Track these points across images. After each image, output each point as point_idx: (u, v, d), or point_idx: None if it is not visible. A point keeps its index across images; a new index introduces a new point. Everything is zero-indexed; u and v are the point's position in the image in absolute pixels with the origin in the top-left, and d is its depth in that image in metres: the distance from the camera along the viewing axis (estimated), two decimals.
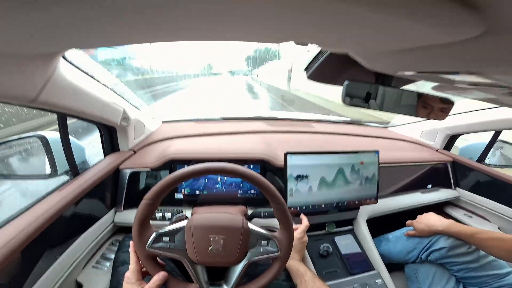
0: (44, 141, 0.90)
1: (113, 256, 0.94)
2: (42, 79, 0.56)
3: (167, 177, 0.63)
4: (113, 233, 1.07)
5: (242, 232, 0.64)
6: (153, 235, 0.62)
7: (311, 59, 0.72)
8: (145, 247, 0.61)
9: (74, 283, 0.85)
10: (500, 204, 1.26)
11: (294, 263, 0.81)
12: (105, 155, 1.08)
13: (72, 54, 0.67)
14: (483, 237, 0.86)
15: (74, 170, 0.92)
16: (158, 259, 0.66)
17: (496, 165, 1.39)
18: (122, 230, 1.08)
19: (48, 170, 0.91)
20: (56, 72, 0.60)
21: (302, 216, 0.96)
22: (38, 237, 0.68)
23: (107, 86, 0.89)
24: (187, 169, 0.63)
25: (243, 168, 0.64)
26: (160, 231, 0.63)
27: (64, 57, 0.64)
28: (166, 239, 0.63)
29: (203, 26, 0.31)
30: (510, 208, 1.22)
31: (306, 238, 0.89)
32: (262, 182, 0.65)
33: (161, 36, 0.38)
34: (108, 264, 0.93)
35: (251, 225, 0.67)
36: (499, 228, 1.27)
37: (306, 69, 0.76)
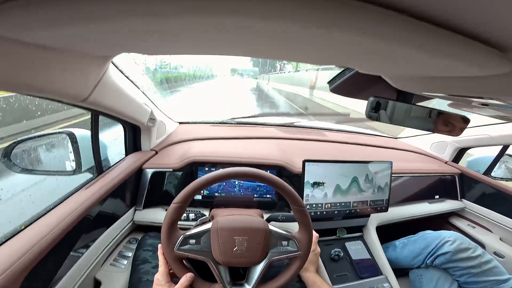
0: (73, 137, 0.92)
1: (130, 254, 0.97)
2: (95, 79, 0.60)
3: (196, 181, 0.65)
4: (131, 231, 1.09)
5: (264, 233, 0.67)
6: (181, 238, 0.64)
7: (337, 73, 0.75)
8: (173, 250, 0.63)
9: (92, 280, 0.87)
10: (503, 216, 1.30)
11: (310, 275, 0.83)
12: (126, 154, 1.11)
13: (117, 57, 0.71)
14: None
15: (100, 167, 0.94)
16: (184, 261, 0.68)
17: (502, 178, 1.43)
18: (140, 228, 1.10)
19: (72, 166, 0.93)
20: (106, 74, 0.64)
21: None
22: (66, 235, 0.70)
23: (139, 87, 0.92)
24: (215, 173, 0.66)
25: (267, 174, 0.68)
26: (187, 233, 0.65)
27: (112, 62, 0.68)
28: (192, 241, 0.65)
29: (267, 45, 0.34)
30: (511, 219, 1.26)
31: (318, 249, 0.91)
32: (284, 186, 0.68)
33: (203, 50, 0.41)
34: (125, 262, 0.94)
35: (271, 227, 0.70)
36: (500, 239, 1.31)
37: (330, 82, 0.80)
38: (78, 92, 0.59)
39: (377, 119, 0.68)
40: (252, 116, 1.75)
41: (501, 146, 1.37)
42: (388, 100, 0.67)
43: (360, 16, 0.23)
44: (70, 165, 0.94)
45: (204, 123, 1.58)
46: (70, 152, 0.93)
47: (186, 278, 0.63)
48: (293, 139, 1.48)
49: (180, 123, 1.51)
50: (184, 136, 1.31)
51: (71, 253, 0.74)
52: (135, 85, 0.90)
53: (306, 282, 0.83)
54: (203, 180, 0.65)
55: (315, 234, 0.92)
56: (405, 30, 0.25)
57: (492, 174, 1.44)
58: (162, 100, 1.29)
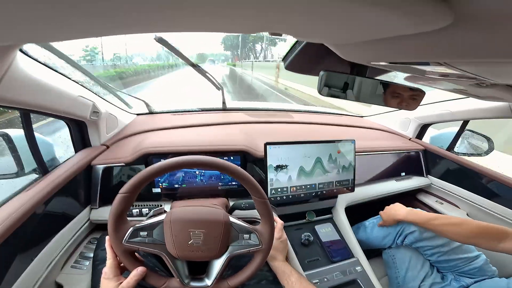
0: (6, 138, 0.85)
1: (92, 255, 0.92)
2: None
3: (144, 170, 0.61)
4: (90, 231, 1.03)
5: (223, 226, 0.63)
6: (130, 229, 0.60)
7: (288, 49, 0.71)
8: (122, 242, 0.59)
9: (53, 284, 0.83)
10: (468, 191, 1.34)
11: (279, 264, 0.80)
12: (76, 151, 1.03)
13: (31, 46, 0.63)
14: (438, 223, 0.92)
15: (43, 167, 0.87)
16: (137, 254, 0.65)
17: (464, 153, 1.47)
18: (100, 227, 1.05)
19: (14, 169, 0.87)
20: (13, 66, 0.56)
21: (275, 217, 0.96)
22: (7, 239, 0.65)
23: (73, 80, 0.84)
24: (165, 162, 0.61)
25: (224, 161, 0.63)
26: (137, 225, 0.62)
27: (21, 50, 0.60)
28: (143, 233, 0.61)
29: (170, 16, 0.29)
30: (477, 195, 1.30)
31: (285, 236, 0.89)
32: (243, 175, 0.64)
33: (118, 28, 0.36)
34: (87, 263, 0.90)
35: (232, 218, 0.67)
36: (467, 214, 1.35)
37: (284, 59, 0.76)
38: None
39: (330, 94, 0.66)
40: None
41: (462, 122, 1.40)
42: (341, 73, 0.64)
43: None
44: (12, 167, 0.87)
45: (164, 112, 1.49)
46: (9, 154, 0.87)
47: (137, 271, 0.60)
48: (259, 122, 1.44)
49: (137, 114, 1.41)
50: (140, 128, 1.23)
51: (20, 256, 0.70)
52: (67, 77, 0.81)
53: (275, 272, 0.80)
54: (152, 169, 0.61)
55: (279, 222, 0.90)
56: None
57: (455, 149, 1.48)
58: (112, 91, 1.20)
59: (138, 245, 0.60)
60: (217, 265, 0.65)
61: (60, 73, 0.78)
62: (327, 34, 0.43)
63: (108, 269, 0.61)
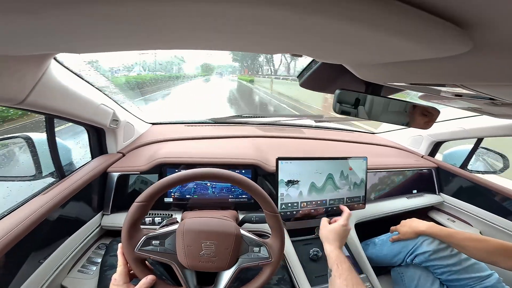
0: (30, 142, 0.89)
1: (99, 260, 0.93)
2: (32, 80, 0.56)
3: (161, 180, 0.63)
4: (100, 237, 1.05)
5: (234, 238, 0.64)
6: (143, 238, 0.61)
7: (304, 67, 0.73)
8: (134, 250, 0.61)
9: (59, 287, 0.83)
10: (481, 209, 1.31)
11: (335, 251, 0.79)
12: (92, 157, 1.06)
13: (64, 55, 0.66)
14: (460, 237, 0.90)
15: (60, 172, 0.90)
16: (147, 262, 0.66)
17: (478, 171, 1.44)
18: (109, 233, 1.06)
19: (32, 171, 0.89)
20: (46, 74, 0.59)
21: (342, 207, 0.99)
22: (22, 240, 0.67)
23: (97, 87, 0.88)
24: (182, 173, 0.63)
25: (239, 175, 0.65)
26: (150, 234, 0.63)
27: (55, 59, 0.63)
28: (156, 242, 0.62)
29: (199, 35, 0.31)
30: (490, 213, 1.27)
31: (349, 226, 0.90)
32: (256, 189, 0.66)
33: (153, 44, 0.38)
34: (94, 268, 0.92)
35: (243, 231, 0.68)
36: (480, 232, 1.31)
37: (299, 76, 0.77)
38: (14, 94, 0.54)
39: (346, 112, 0.66)
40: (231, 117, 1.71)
41: (476, 139, 1.39)
42: (356, 92, 0.65)
43: None
44: (30, 170, 0.90)
45: (179, 123, 1.53)
46: (29, 157, 0.89)
47: (146, 280, 0.61)
48: (271, 137, 1.46)
49: (152, 124, 1.45)
50: (155, 137, 1.26)
51: (31, 258, 0.72)
52: (92, 85, 0.85)
53: (328, 256, 0.79)
54: (168, 179, 0.63)
55: (347, 211, 0.94)
56: (355, 6, 0.22)
57: (469, 167, 1.45)
58: (131, 100, 1.23)
59: (149, 253, 0.61)
60: (226, 276, 0.66)
61: (85, 81, 0.81)
62: (348, 57, 0.44)
63: (118, 276, 0.62)
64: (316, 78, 0.72)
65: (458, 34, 0.26)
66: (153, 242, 0.62)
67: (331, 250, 0.79)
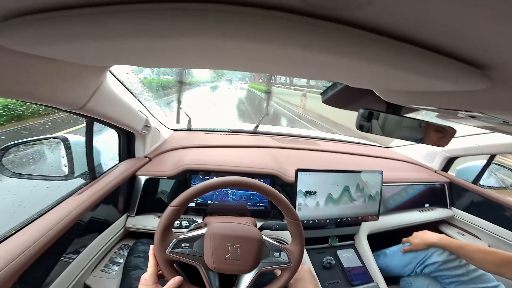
0: (66, 143, 0.92)
1: (121, 260, 0.96)
2: (93, 88, 0.62)
3: (195, 186, 0.66)
4: (122, 238, 1.08)
5: (257, 243, 0.67)
6: (174, 240, 0.65)
7: (328, 85, 0.78)
8: (165, 252, 0.64)
9: (82, 286, 0.86)
10: (491, 223, 1.33)
11: None
12: (120, 160, 1.11)
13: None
14: (471, 249, 0.93)
15: (93, 173, 0.94)
16: (174, 264, 0.69)
17: (490, 186, 1.46)
18: (131, 235, 1.10)
19: (65, 171, 0.93)
20: (104, 83, 0.65)
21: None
22: (57, 241, 0.70)
23: (134, 95, 0.93)
24: (213, 180, 0.67)
25: (264, 184, 0.69)
26: (181, 237, 0.66)
27: (109, 70, 0.69)
28: (185, 245, 0.65)
29: (254, 59, 0.35)
30: (499, 227, 1.30)
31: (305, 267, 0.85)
32: (280, 198, 0.70)
33: (196, 64, 0.43)
34: (116, 268, 0.94)
35: (265, 237, 0.71)
36: (489, 246, 1.33)
37: (322, 94, 0.82)
38: (76, 100, 0.61)
39: (368, 130, 0.70)
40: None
41: (489, 155, 1.41)
42: (378, 112, 0.69)
43: (351, 41, 0.25)
44: (63, 170, 0.94)
45: (198, 130, 1.59)
46: (63, 157, 0.94)
47: (174, 280, 0.63)
48: (287, 148, 1.50)
49: (174, 130, 1.51)
50: (178, 144, 1.31)
51: (62, 259, 0.74)
52: (131, 93, 0.91)
53: None
54: (202, 186, 0.66)
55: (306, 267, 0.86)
56: (389, 52, 0.27)
57: (481, 182, 1.47)
58: (157, 107, 1.29)
59: (179, 255, 0.64)
60: (247, 279, 0.68)
61: (127, 89, 0.87)
62: (380, 86, 0.49)
63: (148, 276, 0.64)
64: (340, 97, 0.76)
65: (477, 74, 0.30)
66: (183, 244, 0.65)
67: None
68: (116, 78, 0.77)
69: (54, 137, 0.95)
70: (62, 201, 0.81)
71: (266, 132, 1.69)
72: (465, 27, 0.22)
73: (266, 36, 0.24)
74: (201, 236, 0.67)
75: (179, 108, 1.52)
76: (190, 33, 0.24)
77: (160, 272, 0.67)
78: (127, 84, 0.87)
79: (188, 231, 0.72)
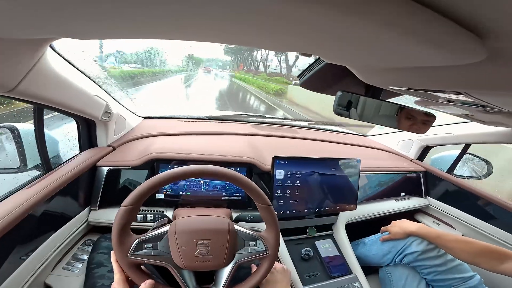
0: (16, 133, 0.85)
1: (85, 257, 0.91)
2: (26, 67, 0.52)
3: (147, 181, 0.60)
4: (86, 233, 1.02)
5: (228, 234, 0.63)
6: (135, 242, 0.60)
7: (306, 67, 0.72)
8: (127, 256, 0.59)
9: (42, 285, 0.81)
10: (465, 213, 1.36)
11: None
12: (81, 150, 1.02)
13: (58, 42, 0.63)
14: (449, 239, 0.94)
15: (47, 165, 0.86)
16: (143, 267, 0.64)
17: (464, 176, 1.49)
18: (96, 229, 1.03)
19: (16, 163, 0.85)
20: (41, 61, 0.56)
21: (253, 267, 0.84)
22: (4, 236, 0.64)
23: (90, 78, 0.84)
24: (168, 172, 0.61)
25: (227, 170, 0.64)
26: (142, 237, 0.61)
27: (51, 46, 0.60)
28: (148, 245, 0.61)
29: (211, 28, 0.30)
30: (473, 217, 1.33)
31: (286, 267, 0.83)
32: (247, 183, 0.65)
33: (160, 33, 0.36)
34: (80, 265, 0.88)
35: (237, 226, 0.67)
36: (463, 235, 1.36)
37: (299, 76, 0.77)
38: (3, 80, 0.51)
39: (347, 116, 0.66)
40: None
41: (463, 145, 1.43)
42: (357, 95, 0.65)
43: None
44: (13, 162, 0.86)
45: (171, 118, 1.50)
46: (13, 148, 0.85)
47: (145, 285, 0.59)
48: (265, 135, 1.45)
49: (144, 117, 1.41)
50: (147, 131, 1.23)
51: (13, 255, 0.68)
52: (86, 75, 0.81)
53: None
54: (156, 179, 0.61)
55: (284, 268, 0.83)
56: (370, 3, 0.21)
57: (455, 172, 1.51)
58: (124, 94, 1.19)
59: (143, 257, 0.60)
60: (225, 273, 0.65)
61: (79, 70, 0.78)
62: (355, 59, 0.44)
63: (117, 285, 0.60)
64: (317, 79, 0.72)
65: (474, 43, 0.25)
66: (145, 245, 0.60)
67: None
68: (62, 57, 0.68)
69: (1, 127, 0.85)
70: (8, 196, 0.73)
71: (245, 119, 1.64)
72: None
73: None
74: (164, 234, 0.63)
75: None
76: None
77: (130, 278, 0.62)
78: (78, 65, 0.77)
79: (151, 230, 0.67)
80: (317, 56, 0.63)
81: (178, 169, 0.62)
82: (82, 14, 0.27)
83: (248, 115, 1.64)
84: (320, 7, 0.21)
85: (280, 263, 0.95)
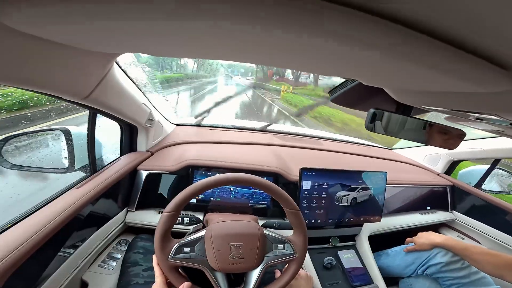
0: (68, 135, 0.90)
1: (119, 256, 0.95)
2: (98, 77, 0.59)
3: (188, 188, 0.64)
4: (121, 233, 1.07)
5: (259, 238, 0.67)
6: (175, 246, 0.63)
7: (338, 84, 0.76)
8: (168, 259, 0.62)
9: (79, 281, 0.85)
10: (491, 228, 1.33)
11: None
12: (121, 153, 1.09)
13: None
14: (476, 251, 0.93)
15: (94, 166, 0.92)
16: (180, 270, 0.67)
17: (492, 191, 1.45)
18: (130, 230, 1.08)
19: (65, 164, 0.91)
20: (110, 72, 0.63)
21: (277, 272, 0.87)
22: (55, 235, 0.68)
23: (139, 88, 0.91)
24: (206, 180, 0.65)
25: (259, 178, 0.68)
26: (181, 242, 0.64)
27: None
28: (187, 249, 0.64)
29: (267, 52, 0.33)
30: (499, 231, 1.30)
31: (309, 274, 0.85)
32: (276, 189, 0.68)
33: (209, 55, 0.41)
34: (114, 263, 0.93)
35: (266, 231, 0.70)
36: None
37: (331, 92, 0.80)
38: (80, 89, 0.58)
39: (377, 130, 0.69)
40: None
41: (493, 160, 1.40)
42: (389, 112, 0.67)
43: (367, 29, 0.23)
44: (63, 162, 0.92)
45: (201, 126, 1.57)
46: (64, 149, 0.92)
47: (183, 287, 0.62)
48: (290, 146, 1.48)
49: (177, 125, 1.49)
50: (181, 139, 1.30)
51: (59, 253, 0.73)
52: (136, 85, 0.89)
53: None
54: (195, 187, 0.65)
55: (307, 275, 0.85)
56: (410, 45, 0.25)
57: (483, 187, 1.47)
58: (161, 100, 1.27)
59: (182, 260, 0.63)
60: (254, 275, 0.67)
61: (132, 81, 0.84)
62: (394, 84, 0.47)
63: (157, 286, 0.62)
64: (349, 96, 0.75)
65: (499, 74, 0.28)
66: (184, 249, 0.64)
67: None
68: (122, 69, 0.75)
69: (55, 129, 0.92)
70: (61, 194, 0.79)
71: (269, 130, 1.68)
72: (494, 21, 0.20)
73: (283, 22, 0.22)
74: (201, 238, 0.66)
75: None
76: (213, 15, 0.22)
77: (169, 280, 0.65)
78: (132, 76, 0.85)
79: (188, 234, 0.71)
80: None
81: (215, 177, 0.66)
82: (140, 38, 0.32)
83: (271, 130, 1.67)
84: (367, 48, 0.25)
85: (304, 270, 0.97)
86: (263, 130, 1.65)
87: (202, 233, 0.67)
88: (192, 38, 0.30)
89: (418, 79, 0.36)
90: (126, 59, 0.81)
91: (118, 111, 0.81)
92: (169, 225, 0.63)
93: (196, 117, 1.55)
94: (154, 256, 0.65)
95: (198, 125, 1.57)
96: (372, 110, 0.67)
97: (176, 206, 0.63)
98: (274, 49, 0.31)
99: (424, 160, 1.69)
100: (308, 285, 0.82)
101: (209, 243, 0.64)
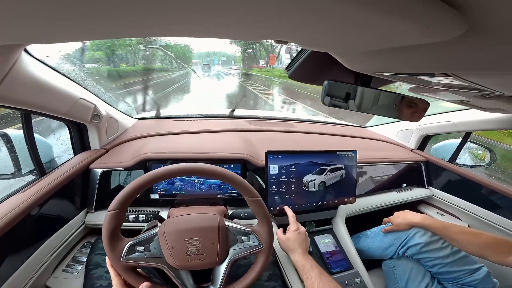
0: (5, 139, 0.86)
1: (84, 259, 0.91)
2: (0, 73, 0.52)
3: (129, 185, 0.60)
4: (85, 235, 1.02)
5: (219, 231, 0.63)
6: (126, 246, 0.60)
7: (292, 58, 0.71)
8: (120, 260, 0.59)
9: (43, 287, 0.81)
10: (470, 203, 1.32)
11: (298, 258, 0.80)
12: (75, 154, 1.03)
13: (35, 46, 0.62)
14: (455, 230, 0.91)
15: (40, 169, 0.87)
16: (140, 270, 0.64)
17: (466, 165, 1.46)
18: (95, 231, 1.04)
19: (11, 169, 0.86)
20: (15, 66, 0.55)
21: (286, 208, 0.96)
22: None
23: (75, 81, 0.84)
24: (149, 174, 0.60)
25: (207, 165, 0.63)
26: (133, 241, 0.61)
27: (25, 50, 0.59)
28: (140, 248, 0.61)
29: (182, 21, 0.29)
30: (478, 207, 1.29)
31: (302, 228, 0.89)
32: (232, 177, 0.64)
33: (132, 31, 0.36)
34: (79, 267, 0.89)
35: (227, 222, 0.66)
36: (469, 226, 1.33)
37: (287, 68, 0.75)
38: None
39: (334, 105, 0.65)
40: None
41: (464, 133, 1.40)
42: (345, 83, 0.64)
43: None
44: (9, 168, 0.87)
45: (167, 117, 1.49)
46: (6, 154, 0.86)
47: (142, 287, 0.59)
48: (260, 130, 1.44)
49: (139, 119, 1.41)
50: (141, 132, 1.22)
51: (10, 258, 0.69)
52: (70, 79, 0.81)
53: (295, 265, 0.81)
54: (139, 181, 0.60)
55: (291, 214, 0.92)
56: None
57: (457, 161, 1.47)
58: (116, 94, 1.19)
59: (137, 260, 0.60)
60: (221, 271, 0.65)
61: (62, 74, 0.78)
62: (333, 43, 0.42)
63: None
64: (304, 70, 0.70)
65: (452, 16, 0.24)
66: (137, 248, 0.60)
67: (296, 260, 0.80)
68: (41, 61, 0.67)
69: None
70: (3, 201, 0.74)
71: (240, 115, 1.62)
72: None
73: None
74: (155, 235, 0.62)
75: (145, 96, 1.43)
76: None
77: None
78: (61, 69, 0.77)
79: (142, 232, 0.66)
80: None
81: (160, 169, 0.61)
82: (45, 19, 0.26)
83: (242, 116, 1.63)
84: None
85: (276, 258, 0.93)
86: (233, 116, 1.59)
87: (155, 230, 0.63)
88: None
89: (358, 29, 0.31)
90: (55, 53, 0.74)
91: (44, 108, 0.74)
92: (116, 224, 0.59)
93: (158, 109, 1.47)
94: (107, 257, 0.61)
95: (161, 117, 1.49)
96: (326, 82, 0.63)
97: (120, 203, 0.58)
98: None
99: (397, 137, 1.68)
100: (300, 236, 0.85)
101: (163, 240, 0.60)
